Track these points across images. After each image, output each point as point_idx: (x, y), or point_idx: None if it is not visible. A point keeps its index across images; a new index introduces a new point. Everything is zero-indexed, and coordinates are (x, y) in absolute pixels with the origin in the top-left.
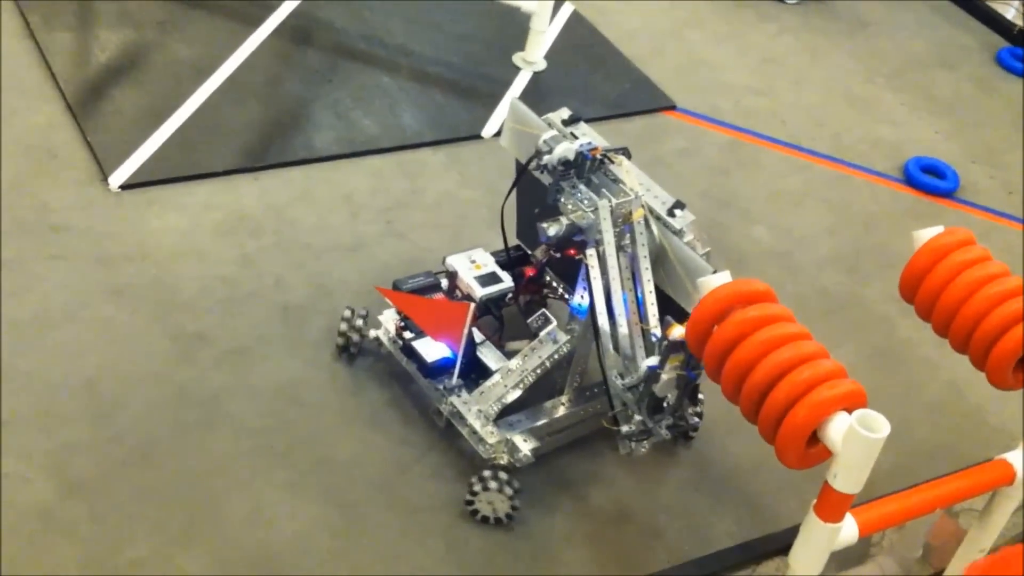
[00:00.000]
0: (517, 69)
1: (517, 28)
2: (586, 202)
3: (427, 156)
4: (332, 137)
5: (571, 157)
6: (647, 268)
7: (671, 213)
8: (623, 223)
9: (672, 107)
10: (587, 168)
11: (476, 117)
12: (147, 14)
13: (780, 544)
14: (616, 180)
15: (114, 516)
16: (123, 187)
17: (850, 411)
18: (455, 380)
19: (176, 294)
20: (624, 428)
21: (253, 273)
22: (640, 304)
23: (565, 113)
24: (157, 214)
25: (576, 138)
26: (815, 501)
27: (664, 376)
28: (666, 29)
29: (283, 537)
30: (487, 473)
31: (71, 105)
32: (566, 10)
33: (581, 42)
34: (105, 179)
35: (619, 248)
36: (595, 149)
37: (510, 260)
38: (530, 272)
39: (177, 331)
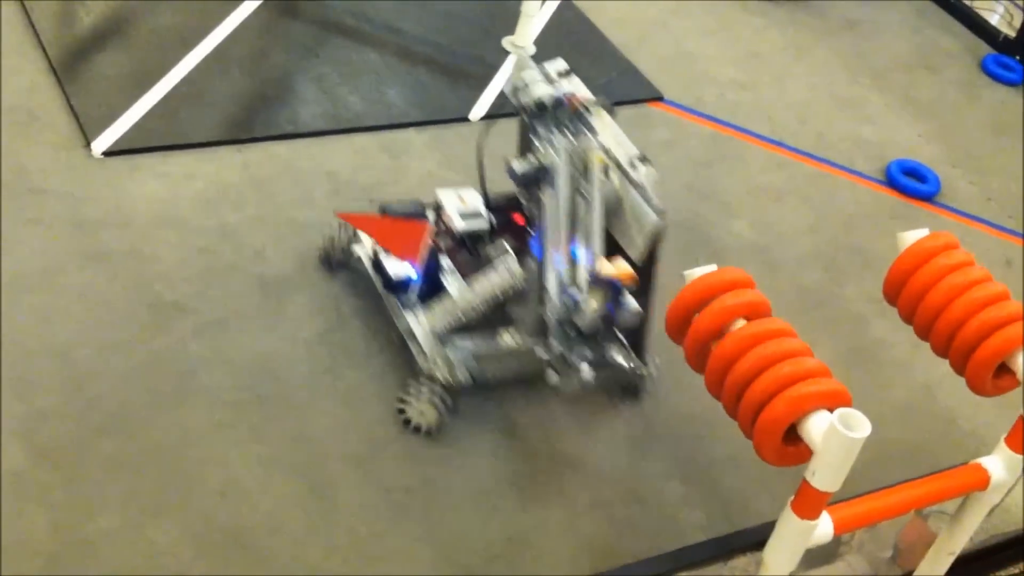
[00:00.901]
0: (506, 53)
1: (507, 12)
2: (554, 144)
3: (412, 136)
4: (317, 112)
5: (546, 100)
6: (600, 213)
7: (632, 165)
8: (583, 168)
9: (659, 98)
10: (563, 114)
11: (463, 99)
12: None
13: (752, 540)
14: (591, 130)
15: (85, 484)
16: (105, 153)
17: (831, 410)
18: (414, 298)
19: (155, 263)
20: (544, 355)
21: (233, 245)
22: (588, 246)
23: (561, 65)
24: (138, 182)
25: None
26: (792, 498)
27: (585, 308)
28: (654, 19)
29: (256, 513)
30: (423, 380)
31: (55, 68)
32: None
33: (570, 29)
34: (87, 144)
35: (577, 192)
36: (573, 97)
37: (488, 202)
38: (519, 220)
39: (154, 300)
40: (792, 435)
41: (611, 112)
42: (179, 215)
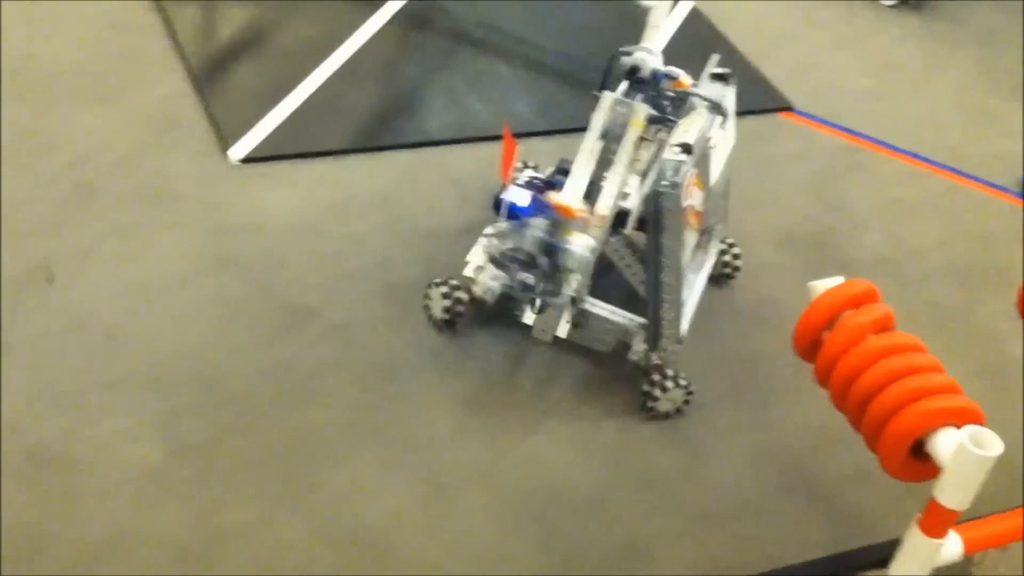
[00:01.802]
0: None
1: (636, 23)
2: (608, 98)
3: (538, 145)
4: (445, 122)
5: (642, 69)
6: (616, 163)
7: (673, 149)
8: (623, 127)
9: (788, 108)
10: (652, 89)
11: (589, 109)
12: None
13: (876, 557)
14: (669, 113)
15: (218, 479)
16: (242, 160)
17: (961, 427)
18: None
19: (285, 268)
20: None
21: (361, 251)
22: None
23: (716, 66)
24: (272, 188)
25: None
26: (919, 515)
27: (526, 231)
28: (786, 29)
29: (377, 512)
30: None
31: (195, 78)
32: (685, 6)
33: (699, 38)
34: (224, 152)
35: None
36: (677, 80)
37: None
38: None
39: (284, 304)
40: (920, 451)
41: (721, 114)
42: (310, 221)
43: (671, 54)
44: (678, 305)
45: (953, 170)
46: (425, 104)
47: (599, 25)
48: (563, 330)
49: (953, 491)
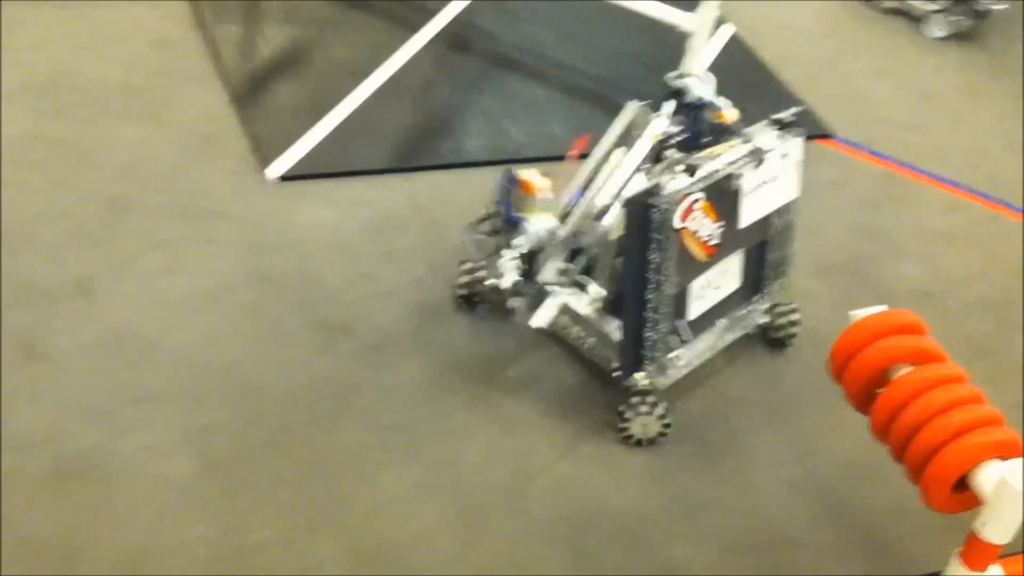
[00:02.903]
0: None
1: (674, 49)
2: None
3: (573, 167)
4: (481, 143)
5: (685, 94)
6: (627, 163)
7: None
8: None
9: (828, 135)
10: (695, 117)
11: None
12: (312, 13)
13: None
14: (701, 141)
15: (245, 497)
16: (280, 179)
17: (1004, 460)
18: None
19: (321, 286)
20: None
21: (396, 270)
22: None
23: (791, 114)
24: (308, 207)
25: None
26: (959, 548)
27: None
28: (824, 58)
29: (407, 533)
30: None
31: (235, 96)
32: (726, 32)
33: (738, 65)
34: (263, 170)
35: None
36: (718, 113)
37: None
38: None
39: (319, 321)
40: (961, 482)
41: (757, 156)
42: (346, 240)
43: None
44: (664, 329)
45: (992, 199)
46: (462, 125)
47: (638, 50)
48: (541, 319)
49: (995, 525)
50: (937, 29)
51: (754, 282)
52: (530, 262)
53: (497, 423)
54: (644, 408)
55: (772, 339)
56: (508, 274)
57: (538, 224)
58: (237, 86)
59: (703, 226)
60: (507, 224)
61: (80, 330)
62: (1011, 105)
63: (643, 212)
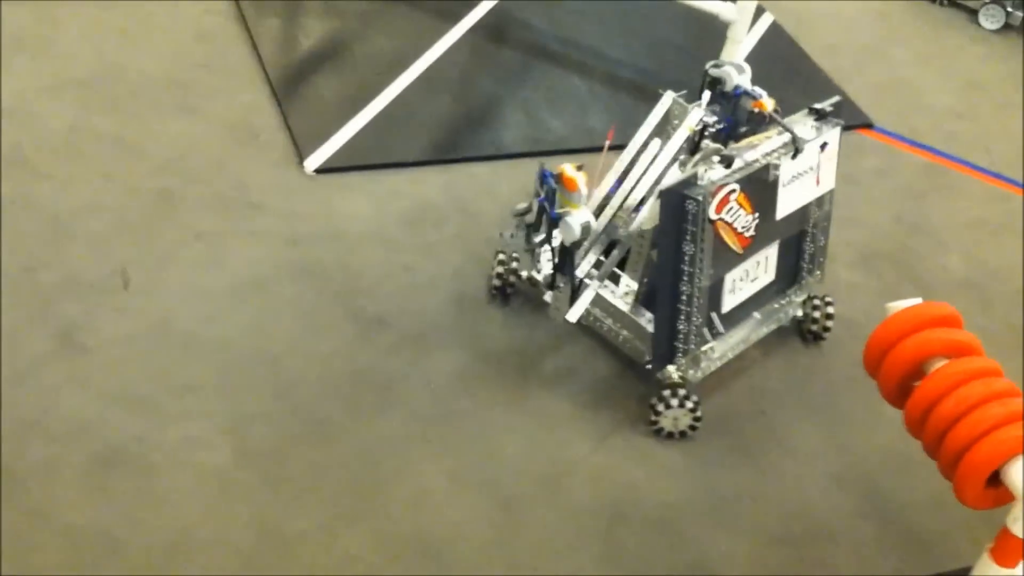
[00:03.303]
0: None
1: (714, 37)
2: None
3: (612, 159)
4: (519, 135)
5: (724, 82)
6: (663, 154)
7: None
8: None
9: (868, 125)
10: (733, 105)
11: None
12: (351, 6)
13: None
14: (737, 129)
15: (287, 486)
16: (318, 171)
17: None
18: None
19: (360, 277)
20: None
21: (435, 262)
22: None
23: (829, 104)
24: (347, 199)
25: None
26: (991, 544)
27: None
28: (868, 45)
29: (443, 524)
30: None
31: (275, 89)
32: (765, 20)
33: (778, 54)
34: (301, 162)
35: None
36: (757, 101)
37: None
38: None
39: (358, 313)
40: (995, 478)
41: (795, 149)
42: (384, 232)
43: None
44: (697, 321)
45: None
46: (500, 117)
47: (679, 40)
48: (575, 313)
49: None
50: (988, 21)
51: (790, 274)
52: (565, 256)
53: (533, 416)
54: (675, 401)
55: (807, 331)
56: (544, 267)
57: (576, 218)
58: (278, 79)
59: (739, 217)
60: (545, 218)
61: (123, 322)
62: None
63: (679, 203)
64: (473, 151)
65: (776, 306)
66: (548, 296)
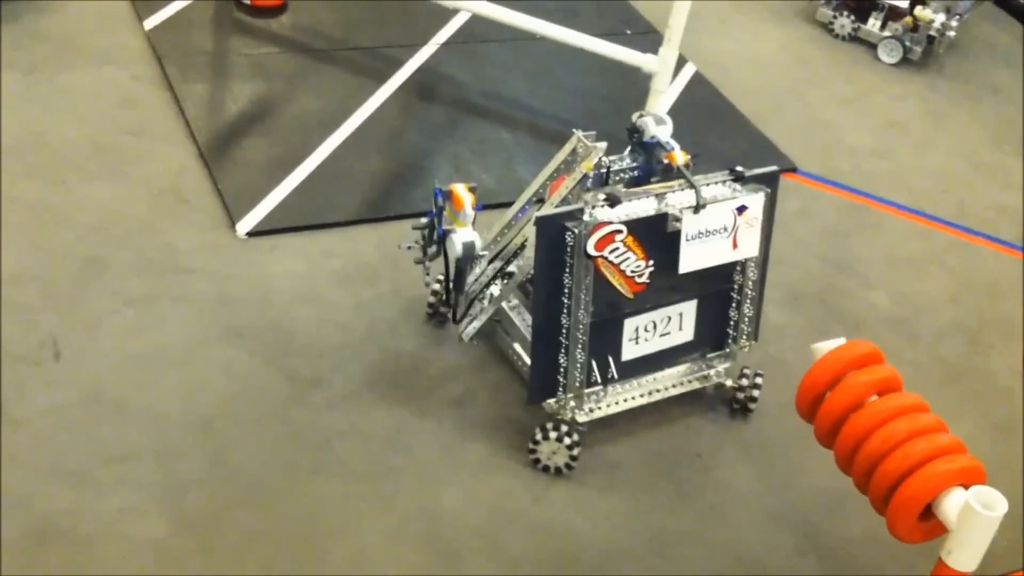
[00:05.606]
0: None
1: (638, 87)
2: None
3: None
4: None
5: (641, 132)
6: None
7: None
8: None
9: (792, 169)
10: (648, 155)
11: None
12: (279, 67)
13: None
14: (640, 177)
15: (224, 553)
16: (249, 234)
17: (967, 487)
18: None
19: (293, 338)
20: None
21: (368, 320)
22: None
23: (763, 171)
24: (279, 260)
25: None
26: None
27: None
28: (787, 88)
29: None
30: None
31: (203, 153)
32: (688, 70)
33: (702, 102)
34: (232, 225)
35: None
36: (669, 154)
37: None
38: None
39: (292, 374)
40: (926, 511)
41: (696, 205)
42: (317, 292)
43: (675, 120)
44: (580, 359)
45: (958, 227)
46: (431, 173)
47: (603, 91)
48: (468, 332)
49: (960, 552)
50: (887, 55)
51: (713, 339)
52: (458, 273)
53: (471, 469)
54: (554, 435)
55: (731, 400)
56: (431, 283)
57: (460, 236)
58: (206, 143)
59: (627, 260)
60: (436, 235)
61: (53, 392)
62: (974, 130)
63: (557, 232)
64: (404, 208)
65: (696, 368)
66: (447, 311)
